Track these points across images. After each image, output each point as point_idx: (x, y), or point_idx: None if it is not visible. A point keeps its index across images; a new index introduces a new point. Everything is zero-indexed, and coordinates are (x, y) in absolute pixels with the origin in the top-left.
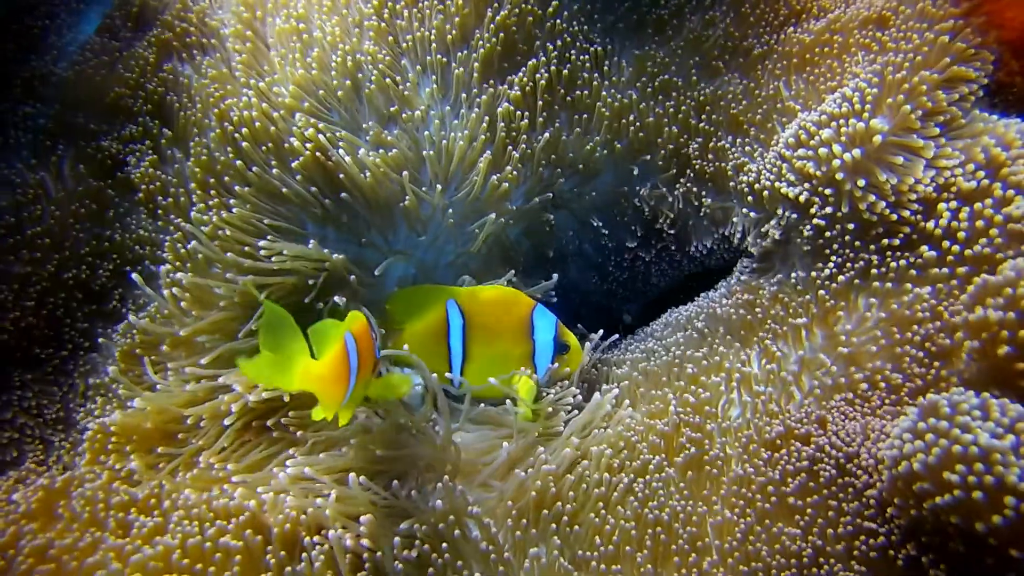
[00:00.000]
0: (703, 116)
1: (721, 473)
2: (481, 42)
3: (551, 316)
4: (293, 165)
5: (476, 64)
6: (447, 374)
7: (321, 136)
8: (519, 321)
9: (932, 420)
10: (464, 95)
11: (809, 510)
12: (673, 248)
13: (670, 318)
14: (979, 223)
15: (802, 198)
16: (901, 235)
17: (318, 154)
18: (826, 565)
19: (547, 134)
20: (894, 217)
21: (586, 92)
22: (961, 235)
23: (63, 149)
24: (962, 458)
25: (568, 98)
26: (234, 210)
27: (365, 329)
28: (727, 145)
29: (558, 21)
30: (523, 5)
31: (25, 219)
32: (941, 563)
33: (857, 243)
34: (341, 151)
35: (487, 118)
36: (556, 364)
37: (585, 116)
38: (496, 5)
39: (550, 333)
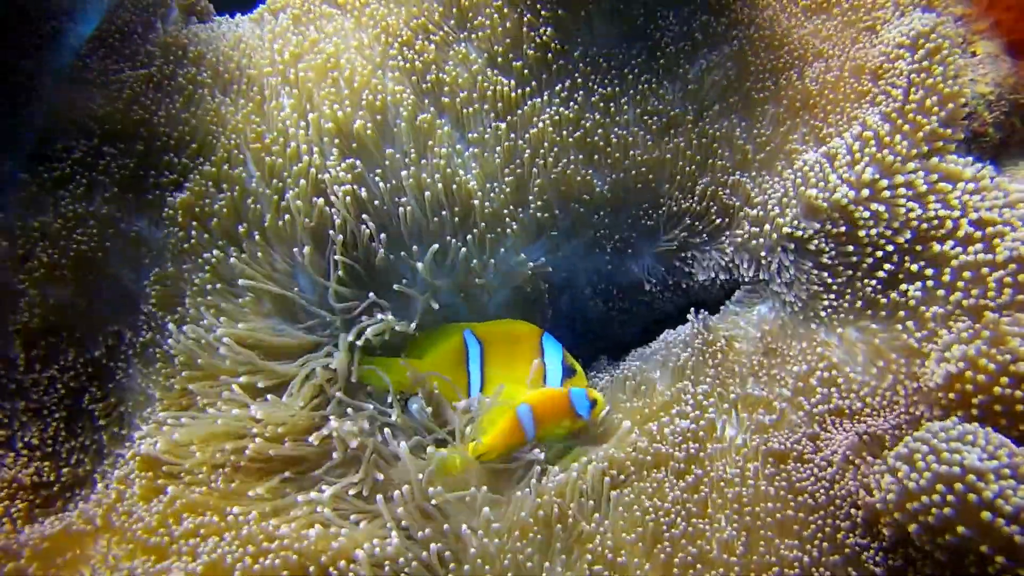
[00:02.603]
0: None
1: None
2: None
3: (557, 343)
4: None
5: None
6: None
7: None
8: (531, 346)
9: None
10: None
11: (806, 528)
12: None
13: (669, 338)
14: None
15: (807, 233)
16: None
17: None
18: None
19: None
20: (890, 248)
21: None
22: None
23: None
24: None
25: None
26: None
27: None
28: (740, 179)
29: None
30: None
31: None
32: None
33: (855, 274)
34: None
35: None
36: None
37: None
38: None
39: (558, 357)
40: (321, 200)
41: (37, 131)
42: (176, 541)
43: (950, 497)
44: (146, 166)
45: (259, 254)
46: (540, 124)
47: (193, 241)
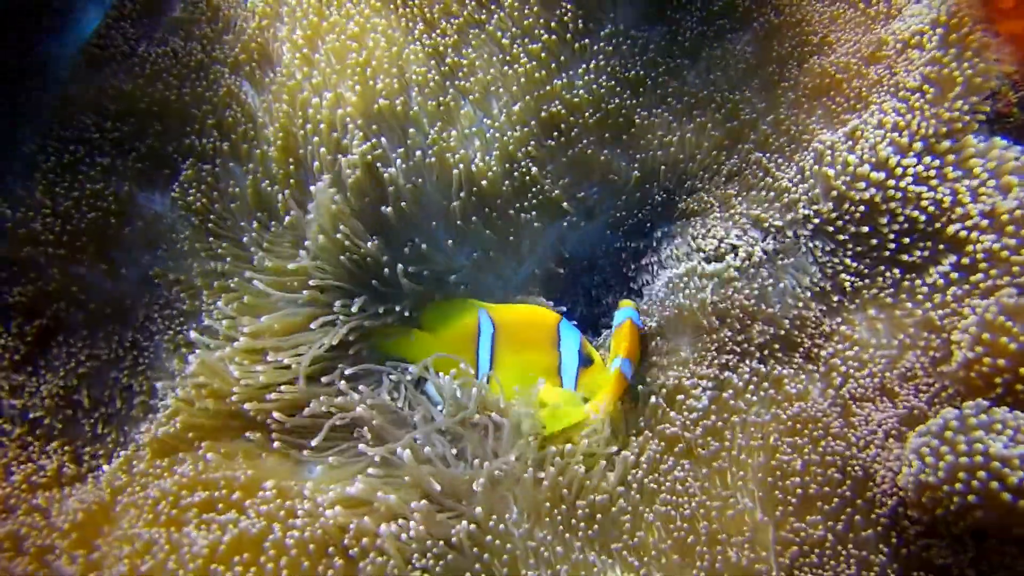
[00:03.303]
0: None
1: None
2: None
3: (576, 331)
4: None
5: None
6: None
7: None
8: (546, 332)
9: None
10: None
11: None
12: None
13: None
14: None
15: (826, 213)
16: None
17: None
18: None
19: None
20: (909, 228)
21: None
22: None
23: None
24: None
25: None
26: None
27: None
28: (761, 158)
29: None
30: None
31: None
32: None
33: (875, 254)
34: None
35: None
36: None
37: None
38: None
39: (575, 346)
40: (348, 179)
41: (53, 109)
42: (197, 512)
43: (974, 484)
44: (165, 145)
45: (275, 235)
46: (560, 104)
47: (212, 224)
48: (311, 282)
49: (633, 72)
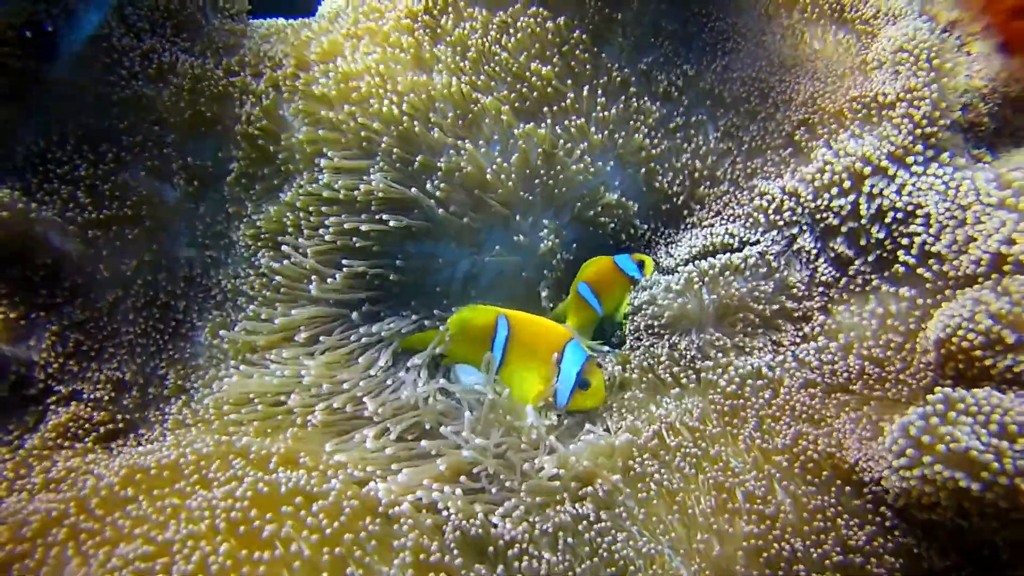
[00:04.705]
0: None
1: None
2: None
3: (582, 353)
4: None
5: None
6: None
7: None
8: (552, 347)
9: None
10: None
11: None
12: None
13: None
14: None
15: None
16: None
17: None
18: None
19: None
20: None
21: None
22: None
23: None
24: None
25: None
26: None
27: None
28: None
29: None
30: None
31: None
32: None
33: (861, 253)
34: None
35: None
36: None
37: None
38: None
39: (576, 367)
40: (377, 192)
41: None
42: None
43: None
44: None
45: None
46: (573, 123)
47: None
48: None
49: (636, 88)
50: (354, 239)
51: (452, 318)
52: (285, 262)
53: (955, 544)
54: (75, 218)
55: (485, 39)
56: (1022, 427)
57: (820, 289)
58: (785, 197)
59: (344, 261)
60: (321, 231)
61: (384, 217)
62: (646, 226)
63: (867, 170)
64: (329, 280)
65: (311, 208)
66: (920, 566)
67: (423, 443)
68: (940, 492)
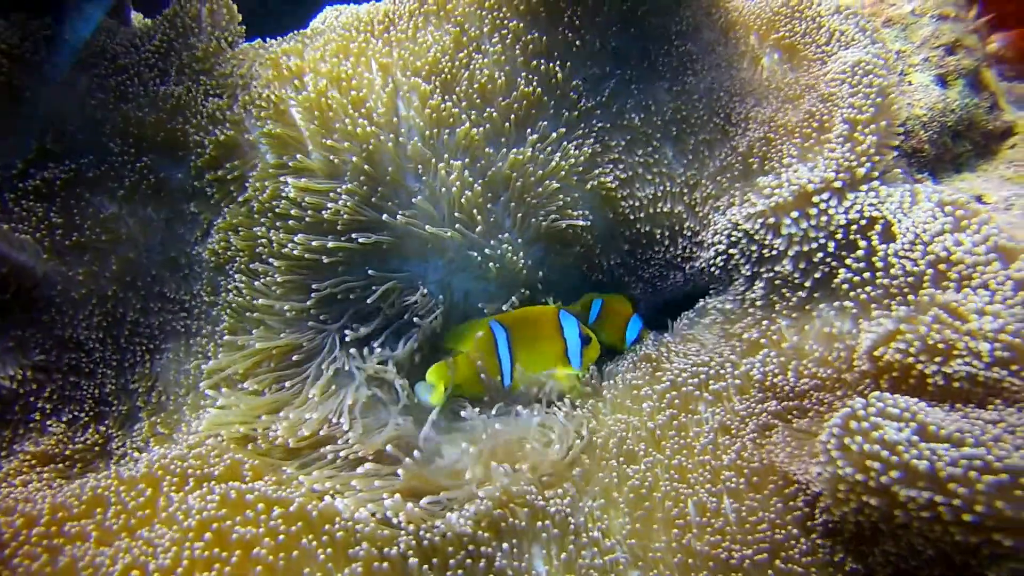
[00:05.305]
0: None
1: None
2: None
3: (572, 317)
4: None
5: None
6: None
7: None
8: (550, 324)
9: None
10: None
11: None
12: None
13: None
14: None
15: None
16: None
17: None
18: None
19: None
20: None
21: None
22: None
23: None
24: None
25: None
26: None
27: None
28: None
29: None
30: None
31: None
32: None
33: (794, 280)
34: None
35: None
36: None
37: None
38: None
39: (576, 330)
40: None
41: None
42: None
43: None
44: (189, 178)
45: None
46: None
47: (226, 255)
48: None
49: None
50: (323, 257)
51: (448, 340)
52: (257, 283)
53: (876, 546)
54: (45, 238)
55: (453, 62)
56: (939, 428)
57: (763, 306)
58: (732, 227)
59: (314, 285)
60: (287, 249)
61: (353, 235)
62: (613, 259)
63: (815, 194)
64: (294, 305)
65: (279, 226)
66: (843, 569)
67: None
68: (856, 492)
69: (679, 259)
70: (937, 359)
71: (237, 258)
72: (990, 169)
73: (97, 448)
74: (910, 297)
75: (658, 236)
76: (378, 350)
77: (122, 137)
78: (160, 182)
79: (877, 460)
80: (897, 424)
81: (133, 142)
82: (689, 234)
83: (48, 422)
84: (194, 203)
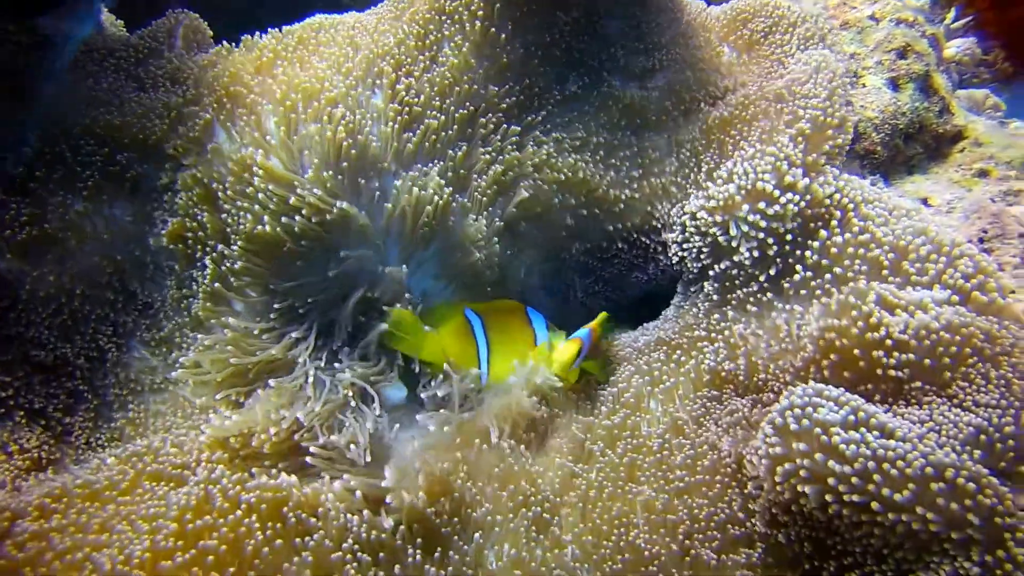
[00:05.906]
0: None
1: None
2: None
3: (538, 312)
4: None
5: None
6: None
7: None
8: (520, 316)
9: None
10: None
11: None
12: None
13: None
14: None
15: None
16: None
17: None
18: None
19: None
20: (782, 242)
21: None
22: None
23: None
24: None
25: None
26: None
27: None
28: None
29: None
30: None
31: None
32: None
33: (747, 273)
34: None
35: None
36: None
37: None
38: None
39: (543, 323)
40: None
41: (38, 133)
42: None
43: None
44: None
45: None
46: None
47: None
48: None
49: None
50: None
51: (428, 320)
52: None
53: (815, 538)
54: (14, 235)
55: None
56: (870, 416)
57: (717, 302)
58: (687, 219)
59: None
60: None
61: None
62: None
63: (769, 188)
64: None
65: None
66: (784, 555)
67: None
68: (793, 480)
69: (641, 259)
70: (874, 352)
71: (203, 249)
72: (940, 172)
73: (64, 446)
74: (851, 286)
75: (619, 237)
76: (346, 349)
77: (93, 136)
78: (130, 180)
79: (807, 442)
80: (835, 412)
81: (104, 142)
82: (652, 231)
83: (13, 420)
84: (164, 200)
